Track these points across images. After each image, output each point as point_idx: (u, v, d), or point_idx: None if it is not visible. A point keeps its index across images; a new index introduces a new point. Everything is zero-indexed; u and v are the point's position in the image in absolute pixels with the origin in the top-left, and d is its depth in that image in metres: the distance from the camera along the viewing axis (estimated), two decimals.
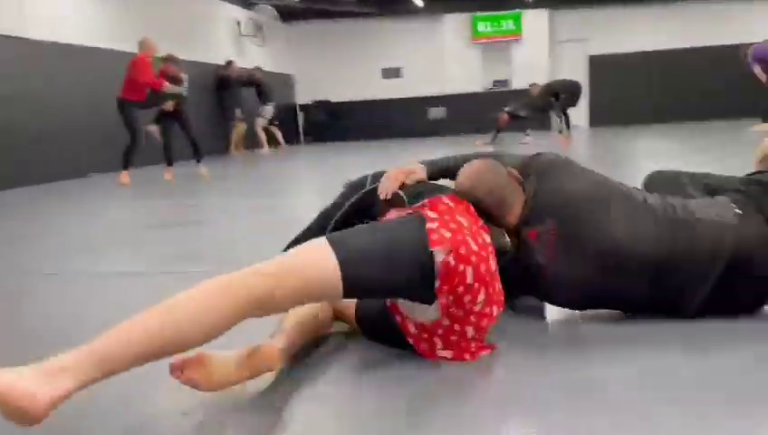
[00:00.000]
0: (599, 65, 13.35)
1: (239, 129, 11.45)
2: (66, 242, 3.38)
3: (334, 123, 14.46)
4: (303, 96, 14.75)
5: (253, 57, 12.49)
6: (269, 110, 11.41)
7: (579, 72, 13.27)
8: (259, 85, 11.28)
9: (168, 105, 6.56)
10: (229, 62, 11.16)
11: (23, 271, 2.71)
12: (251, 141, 11.68)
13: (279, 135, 11.70)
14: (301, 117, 14.85)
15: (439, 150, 2.01)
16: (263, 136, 11.44)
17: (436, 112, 14.04)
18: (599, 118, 13.22)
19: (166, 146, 6.73)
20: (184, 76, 6.71)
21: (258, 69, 11.41)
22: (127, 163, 6.37)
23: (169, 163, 6.70)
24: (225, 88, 11.14)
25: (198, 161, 6.67)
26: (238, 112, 11.15)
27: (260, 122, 11.44)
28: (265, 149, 11.39)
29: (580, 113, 13.17)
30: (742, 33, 12.11)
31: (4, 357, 1.49)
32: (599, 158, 6.54)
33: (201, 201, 4.91)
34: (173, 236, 3.39)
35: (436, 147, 9.35)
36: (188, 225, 3.72)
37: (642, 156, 6.43)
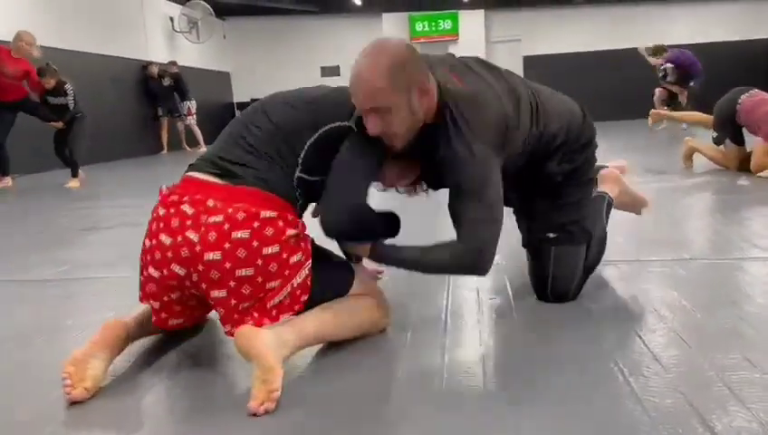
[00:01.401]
0: (532, 65, 13.70)
1: (180, 127, 11.22)
2: None
3: None
4: (241, 94, 14.49)
5: (188, 54, 12.19)
6: (194, 105, 11.14)
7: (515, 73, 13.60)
8: (177, 81, 10.97)
9: (57, 124, 6.20)
10: (149, 63, 10.86)
11: None
12: (188, 140, 11.45)
13: (183, 135, 11.48)
14: (238, 115, 14.58)
15: None
16: (199, 133, 11.20)
17: None
18: None
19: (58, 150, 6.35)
20: (68, 88, 6.19)
21: (173, 63, 11.08)
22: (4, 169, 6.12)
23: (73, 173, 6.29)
24: (151, 87, 10.86)
25: (74, 175, 6.21)
26: (160, 111, 10.92)
27: (191, 120, 11.19)
28: (203, 147, 11.18)
29: None
30: (663, 35, 12.73)
31: None
32: None
33: (140, 203, 4.75)
34: (103, 239, 3.27)
35: None
36: (123, 227, 3.59)
37: None
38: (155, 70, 10.79)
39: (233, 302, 1.34)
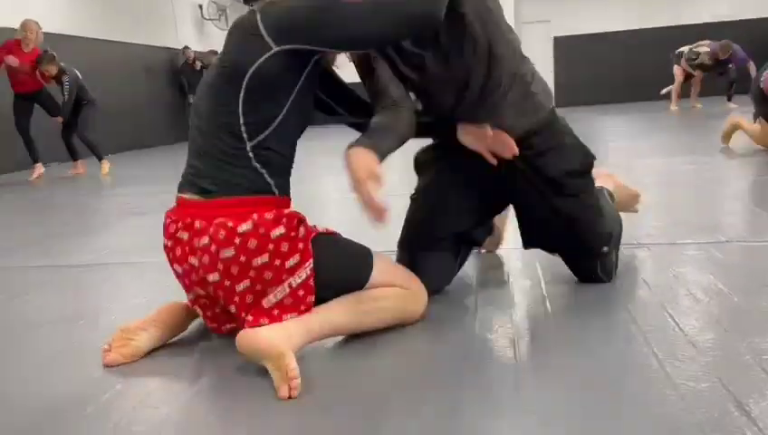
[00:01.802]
0: (563, 46, 13.46)
1: None
2: (31, 234, 3.31)
3: None
4: None
5: (217, 41, 12.27)
6: None
7: (545, 53, 13.39)
8: None
9: (57, 120, 6.19)
10: (185, 48, 10.96)
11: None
12: None
13: None
14: None
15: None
16: None
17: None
18: (564, 98, 13.36)
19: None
20: (65, 79, 6.10)
21: (213, 52, 11.18)
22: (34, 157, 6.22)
23: (75, 158, 6.42)
24: (184, 72, 10.94)
25: (100, 159, 6.38)
26: (191, 98, 10.99)
27: None
28: None
29: None
30: (702, 13, 12.39)
31: None
32: None
33: (173, 189, 4.84)
34: (140, 224, 3.34)
35: None
36: (157, 213, 3.66)
37: (609, 135, 6.54)
38: (191, 54, 10.88)
39: (243, 314, 1.37)
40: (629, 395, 1.16)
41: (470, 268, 2.02)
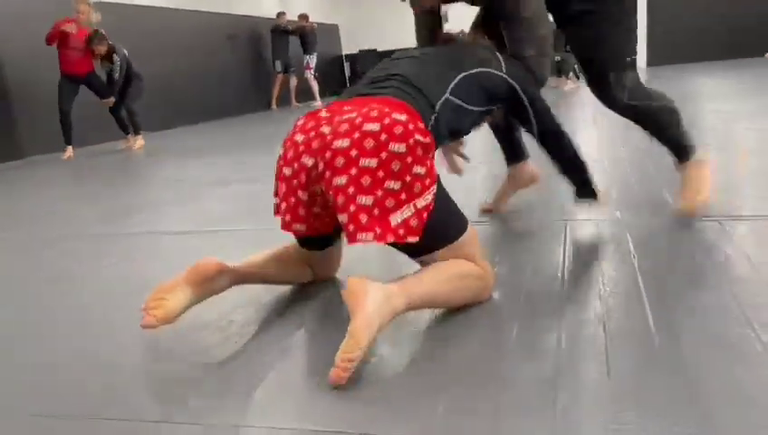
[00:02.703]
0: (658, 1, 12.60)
1: (288, 82, 11.42)
2: (127, 202, 3.49)
3: None
4: (349, 46, 14.55)
5: (297, 7, 12.36)
6: (314, 59, 11.33)
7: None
8: (305, 35, 11.17)
9: (108, 102, 6.36)
10: (280, 13, 11.06)
11: (86, 234, 2.82)
12: (297, 96, 11.70)
13: (315, 88, 11.54)
14: (347, 67, 14.68)
15: None
16: (316, 87, 11.38)
17: None
18: (658, 56, 12.58)
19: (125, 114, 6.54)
20: (116, 57, 6.24)
21: (304, 16, 11.26)
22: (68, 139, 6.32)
23: (127, 132, 6.59)
24: (277, 39, 11.04)
25: (136, 133, 6.59)
26: (278, 65, 11.07)
27: (309, 74, 11.39)
28: (318, 101, 11.34)
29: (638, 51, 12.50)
30: None
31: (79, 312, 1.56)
32: None
33: (256, 159, 4.97)
34: (227, 193, 3.45)
35: None
36: (242, 183, 3.77)
37: (706, 97, 6.11)
38: (284, 19, 10.99)
39: (351, 190, 1.33)
40: (729, 381, 1.08)
41: (558, 239, 1.96)
